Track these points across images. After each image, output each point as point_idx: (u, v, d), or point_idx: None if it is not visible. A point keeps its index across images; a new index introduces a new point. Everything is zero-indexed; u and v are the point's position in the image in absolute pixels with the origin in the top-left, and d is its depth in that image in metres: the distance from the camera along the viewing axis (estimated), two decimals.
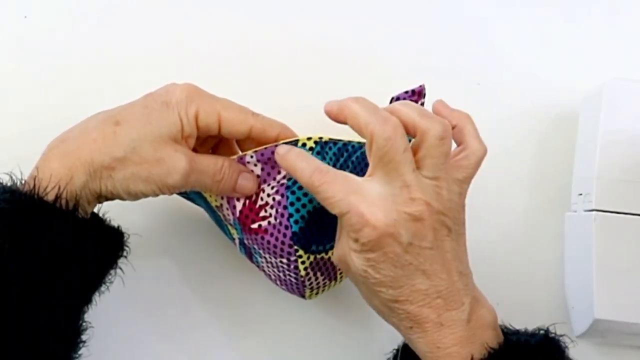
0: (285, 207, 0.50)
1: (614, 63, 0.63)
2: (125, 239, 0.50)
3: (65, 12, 0.62)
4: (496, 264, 0.59)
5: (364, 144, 0.52)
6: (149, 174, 0.48)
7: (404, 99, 0.52)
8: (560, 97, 0.62)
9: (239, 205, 0.51)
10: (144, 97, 0.50)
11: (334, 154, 0.51)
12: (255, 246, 0.52)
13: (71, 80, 0.61)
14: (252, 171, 0.51)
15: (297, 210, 0.49)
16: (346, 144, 0.52)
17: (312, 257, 0.51)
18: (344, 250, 0.47)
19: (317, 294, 0.54)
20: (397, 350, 0.52)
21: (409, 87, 0.51)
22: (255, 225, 0.51)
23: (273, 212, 0.50)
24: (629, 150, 0.55)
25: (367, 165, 0.51)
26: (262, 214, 0.50)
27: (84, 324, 0.49)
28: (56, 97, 0.61)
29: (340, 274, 0.53)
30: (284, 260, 0.51)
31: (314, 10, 0.63)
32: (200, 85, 0.51)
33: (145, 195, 0.49)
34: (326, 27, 0.63)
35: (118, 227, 0.50)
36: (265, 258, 0.52)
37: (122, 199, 0.49)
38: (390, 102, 0.52)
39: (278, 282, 0.54)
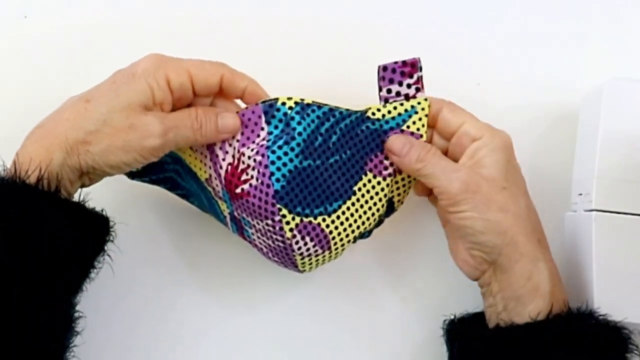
0: (266, 166, 0.50)
1: (614, 63, 0.63)
2: (111, 224, 0.51)
3: (65, 12, 0.62)
4: None
5: (353, 112, 0.53)
6: (124, 142, 0.48)
7: (393, 69, 0.53)
8: (560, 97, 0.62)
9: (222, 172, 0.52)
10: (112, 75, 0.51)
11: (318, 117, 0.52)
12: (244, 214, 0.52)
13: (71, 80, 0.61)
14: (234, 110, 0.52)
15: (278, 169, 0.50)
16: (333, 109, 0.52)
17: (297, 219, 0.51)
18: None
19: (310, 264, 0.54)
20: (454, 318, 0.55)
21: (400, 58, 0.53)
22: (239, 190, 0.51)
23: (254, 173, 0.51)
24: (629, 150, 0.55)
25: (356, 135, 0.53)
26: (244, 177, 0.51)
27: (76, 313, 0.49)
28: (56, 97, 0.61)
29: (335, 245, 0.53)
30: (269, 222, 0.51)
31: (316, 7, 0.63)
32: None
33: (129, 166, 0.50)
34: (325, 24, 0.63)
35: (102, 210, 0.51)
36: (254, 226, 0.52)
37: (107, 173, 0.50)
38: (378, 70, 0.53)
39: (270, 255, 0.54)
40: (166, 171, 0.56)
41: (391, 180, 0.54)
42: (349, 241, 0.54)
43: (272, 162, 0.50)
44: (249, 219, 0.52)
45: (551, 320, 0.50)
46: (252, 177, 0.51)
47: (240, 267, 0.60)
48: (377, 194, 0.54)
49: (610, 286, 0.54)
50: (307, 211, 0.51)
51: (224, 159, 0.52)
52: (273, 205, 0.50)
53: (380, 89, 0.54)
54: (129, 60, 0.61)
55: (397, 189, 0.55)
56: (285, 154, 0.51)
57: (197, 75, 0.51)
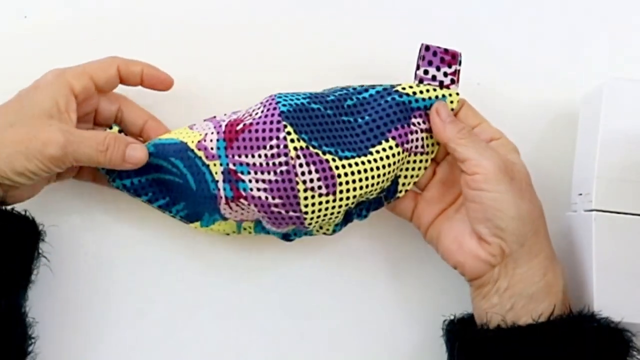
0: (273, 99, 0.52)
1: (614, 63, 0.63)
2: (40, 227, 0.53)
3: (65, 12, 0.62)
4: None
5: (371, 86, 0.55)
6: (26, 149, 0.50)
7: (435, 52, 0.55)
8: (560, 97, 0.62)
9: (224, 124, 0.53)
10: (16, 94, 0.53)
11: (328, 91, 0.55)
12: (242, 156, 0.52)
13: None
14: (143, 141, 0.55)
15: (285, 101, 0.52)
16: (344, 87, 0.56)
17: (302, 143, 0.51)
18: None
19: (313, 207, 0.52)
20: (454, 318, 0.55)
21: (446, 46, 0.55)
22: (240, 126, 0.52)
23: (260, 111, 0.52)
24: (629, 150, 0.55)
25: (379, 104, 0.54)
26: (248, 119, 0.53)
27: (27, 318, 0.51)
28: None
29: (341, 192, 0.52)
30: (273, 143, 0.51)
31: (314, 5, 0.63)
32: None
33: (34, 174, 0.51)
34: (324, 23, 0.63)
35: (25, 211, 0.53)
36: (253, 166, 0.52)
37: (16, 182, 0.51)
38: (420, 49, 0.55)
39: (270, 198, 0.52)
40: (149, 170, 0.56)
41: (406, 156, 0.55)
42: (354, 196, 0.52)
43: (279, 97, 0.53)
44: (249, 157, 0.52)
45: (553, 322, 0.50)
46: (256, 114, 0.52)
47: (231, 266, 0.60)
48: (394, 163, 0.53)
49: (610, 286, 0.54)
50: (315, 143, 0.52)
51: (229, 118, 0.55)
52: (278, 122, 0.51)
53: (418, 67, 0.55)
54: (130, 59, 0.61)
55: (407, 169, 0.56)
56: (293, 95, 0.53)
57: (96, 74, 0.54)
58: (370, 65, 0.62)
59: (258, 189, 0.52)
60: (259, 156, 0.51)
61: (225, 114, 0.56)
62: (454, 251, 0.54)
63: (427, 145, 0.55)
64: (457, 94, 0.55)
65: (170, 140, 0.55)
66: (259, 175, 0.52)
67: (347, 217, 0.56)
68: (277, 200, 0.52)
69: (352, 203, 0.53)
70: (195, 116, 0.58)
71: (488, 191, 0.51)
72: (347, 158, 0.52)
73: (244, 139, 0.52)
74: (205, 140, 0.54)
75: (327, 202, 0.52)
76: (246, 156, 0.52)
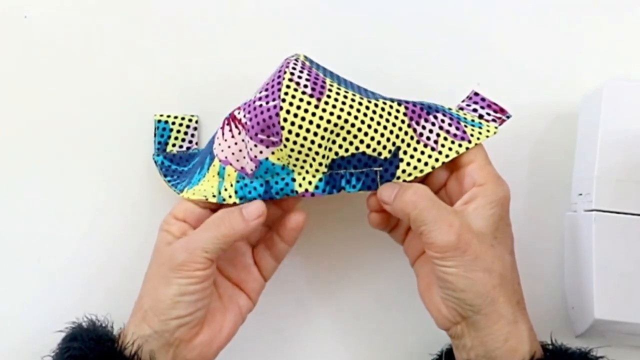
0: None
1: (614, 63, 0.63)
2: None
3: (65, 12, 0.62)
4: None
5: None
6: (164, 270, 0.51)
7: (483, 98, 0.54)
8: (560, 97, 0.62)
9: None
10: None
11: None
12: (256, 93, 0.52)
13: (71, 81, 0.61)
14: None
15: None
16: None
17: (307, 62, 0.52)
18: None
19: (292, 100, 0.49)
20: (442, 352, 0.54)
21: (496, 101, 0.54)
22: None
23: None
24: (629, 150, 0.55)
25: (429, 107, 0.52)
26: None
27: None
28: (56, 97, 0.61)
29: (327, 102, 0.49)
30: (283, 63, 0.51)
31: (312, 18, 0.63)
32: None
33: (189, 291, 0.50)
34: (324, 30, 0.63)
35: None
36: (258, 92, 0.52)
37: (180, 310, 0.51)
38: (471, 92, 0.54)
39: (257, 95, 0.51)
40: (191, 161, 0.58)
41: (414, 138, 0.51)
42: (338, 117, 0.49)
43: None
44: (261, 91, 0.51)
45: None
46: None
47: None
48: (394, 125, 0.51)
49: (610, 286, 0.54)
50: (321, 72, 0.51)
51: None
52: (293, 55, 0.52)
53: (462, 101, 0.55)
54: (130, 60, 0.62)
55: (412, 157, 0.52)
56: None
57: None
58: (371, 67, 0.62)
59: (254, 97, 0.51)
60: (267, 81, 0.52)
61: None
62: (424, 299, 0.53)
63: (442, 145, 0.52)
64: (496, 127, 0.53)
65: None
66: (264, 85, 0.51)
67: (335, 180, 0.51)
68: (262, 93, 0.50)
69: (336, 131, 0.49)
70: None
71: (439, 266, 0.49)
72: (346, 90, 0.50)
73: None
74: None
75: (309, 103, 0.49)
76: (259, 90, 0.52)
